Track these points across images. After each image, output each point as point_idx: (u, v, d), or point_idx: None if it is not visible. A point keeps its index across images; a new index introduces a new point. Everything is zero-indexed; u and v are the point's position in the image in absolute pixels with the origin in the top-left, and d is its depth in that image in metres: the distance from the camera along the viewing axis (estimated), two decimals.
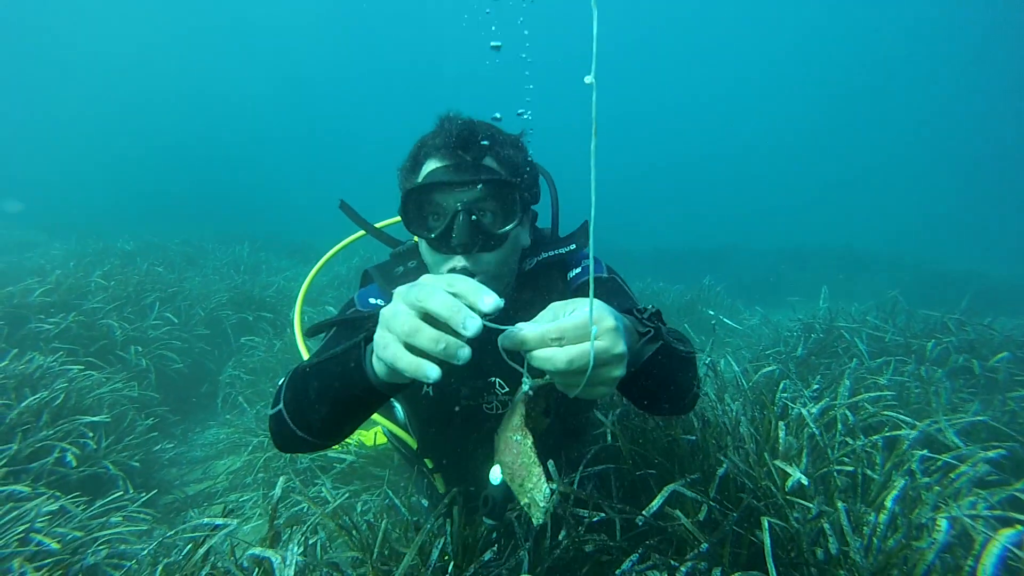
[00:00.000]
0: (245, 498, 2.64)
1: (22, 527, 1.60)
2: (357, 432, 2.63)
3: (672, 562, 1.13)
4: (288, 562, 1.02)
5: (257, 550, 1.07)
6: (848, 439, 1.85)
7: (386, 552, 1.21)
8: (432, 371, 0.68)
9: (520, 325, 0.74)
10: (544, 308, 0.88)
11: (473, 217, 1.14)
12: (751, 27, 30.85)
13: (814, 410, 1.94)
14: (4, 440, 2.25)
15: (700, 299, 5.58)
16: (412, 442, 1.59)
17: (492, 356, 1.24)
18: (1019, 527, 1.07)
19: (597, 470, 1.52)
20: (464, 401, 1.41)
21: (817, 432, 1.58)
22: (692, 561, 1.14)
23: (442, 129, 1.21)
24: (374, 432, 2.59)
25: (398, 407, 1.64)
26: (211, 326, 4.44)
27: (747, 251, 10.60)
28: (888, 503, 1.34)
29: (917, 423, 1.89)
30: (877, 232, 14.37)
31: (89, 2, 28.82)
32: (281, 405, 1.01)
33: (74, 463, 2.29)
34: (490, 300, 0.69)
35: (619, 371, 0.75)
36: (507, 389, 1.42)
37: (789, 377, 2.84)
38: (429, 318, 0.71)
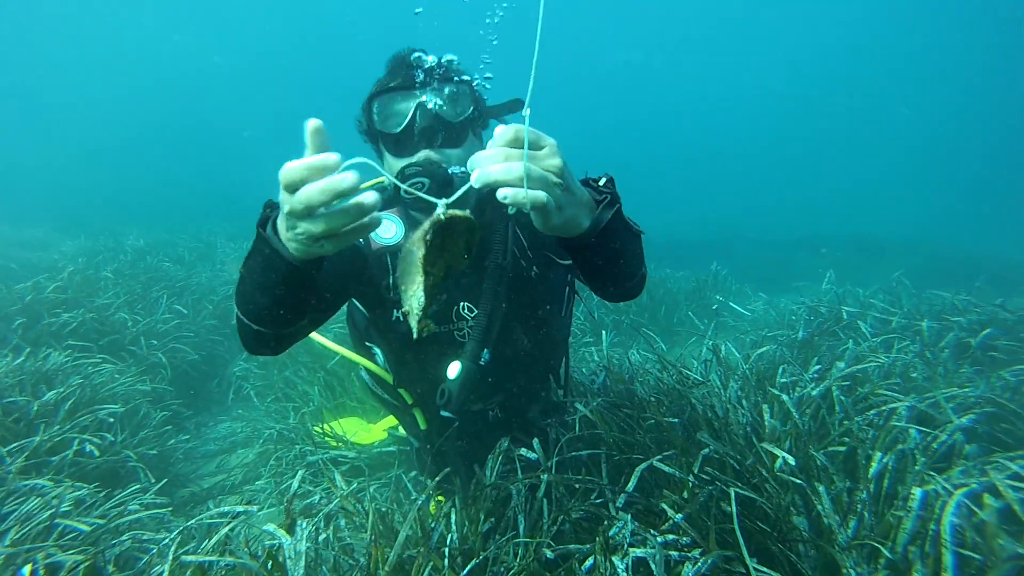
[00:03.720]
0: (257, 488, 2.71)
1: (47, 513, 1.67)
2: (354, 434, 2.71)
3: (651, 532, 1.17)
4: (299, 537, 1.07)
5: (271, 527, 1.14)
6: (846, 420, 1.87)
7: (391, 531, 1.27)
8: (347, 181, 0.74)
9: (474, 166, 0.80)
10: (503, 225, 1.27)
11: (431, 107, 1.30)
12: (760, 15, 30.33)
13: (813, 392, 1.96)
14: (26, 434, 2.34)
15: (707, 284, 5.57)
16: (389, 377, 1.68)
17: (455, 281, 1.46)
18: (974, 485, 1.10)
19: (585, 454, 1.55)
20: (434, 327, 1.47)
21: (799, 419, 1.60)
22: (672, 533, 1.17)
23: (395, 57, 1.37)
24: (375, 427, 2.67)
25: (378, 351, 1.73)
26: (221, 318, 4.52)
27: (756, 239, 10.54)
28: (872, 477, 1.36)
29: (903, 397, 1.90)
30: (891, 219, 14.15)
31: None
32: (236, 309, 1.11)
33: (97, 453, 2.37)
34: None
35: (556, 160, 0.83)
36: (476, 312, 1.52)
37: (788, 361, 2.85)
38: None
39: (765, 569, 1.05)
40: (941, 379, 2.31)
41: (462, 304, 1.52)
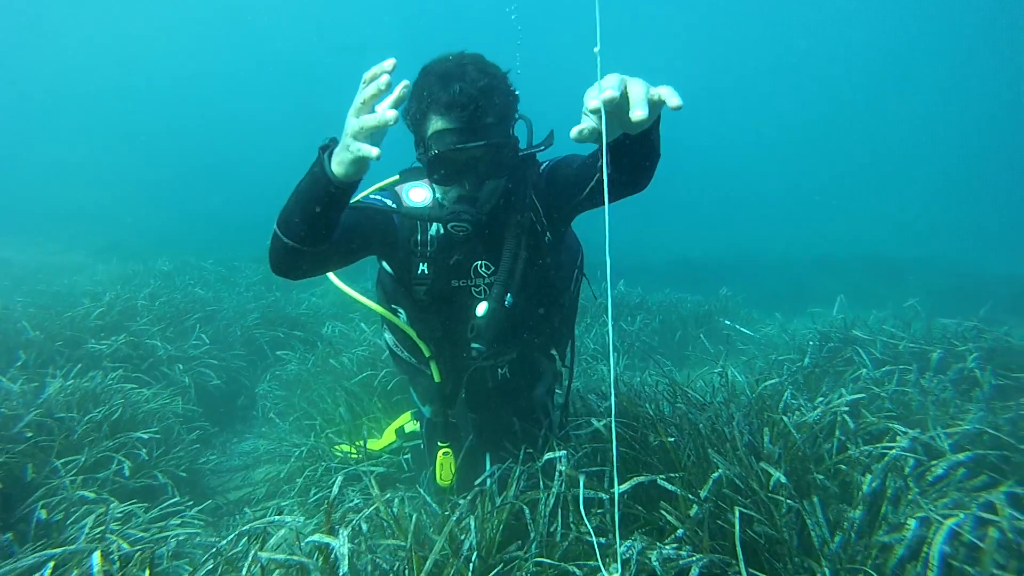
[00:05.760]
0: (284, 504, 2.85)
1: (99, 528, 1.83)
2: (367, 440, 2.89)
3: (657, 543, 1.28)
4: (342, 542, 1.22)
5: (316, 537, 1.29)
6: (848, 447, 1.96)
7: (420, 539, 1.40)
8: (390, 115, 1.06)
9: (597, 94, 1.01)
10: (519, 194, 1.69)
11: (478, 167, 1.55)
12: (766, 26, 30.59)
13: (809, 418, 2.05)
14: (74, 451, 2.51)
15: (716, 309, 5.66)
16: (412, 332, 1.87)
17: (478, 242, 1.74)
18: (962, 514, 1.19)
19: (595, 470, 1.67)
20: (454, 282, 1.75)
21: (799, 439, 1.70)
22: (673, 545, 1.29)
23: (445, 85, 1.48)
24: (385, 432, 2.86)
25: (402, 312, 1.91)
26: (246, 345, 4.72)
27: (772, 260, 10.57)
28: (863, 504, 1.46)
29: (909, 431, 1.98)
30: (911, 237, 14.03)
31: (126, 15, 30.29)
32: (275, 225, 1.35)
33: (128, 473, 2.54)
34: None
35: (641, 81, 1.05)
36: (492, 269, 1.76)
37: (797, 387, 2.93)
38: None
39: (757, 572, 1.15)
40: (935, 408, 2.38)
41: (480, 262, 1.76)
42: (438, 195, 1.69)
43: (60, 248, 9.48)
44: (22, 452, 2.38)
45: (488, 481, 1.66)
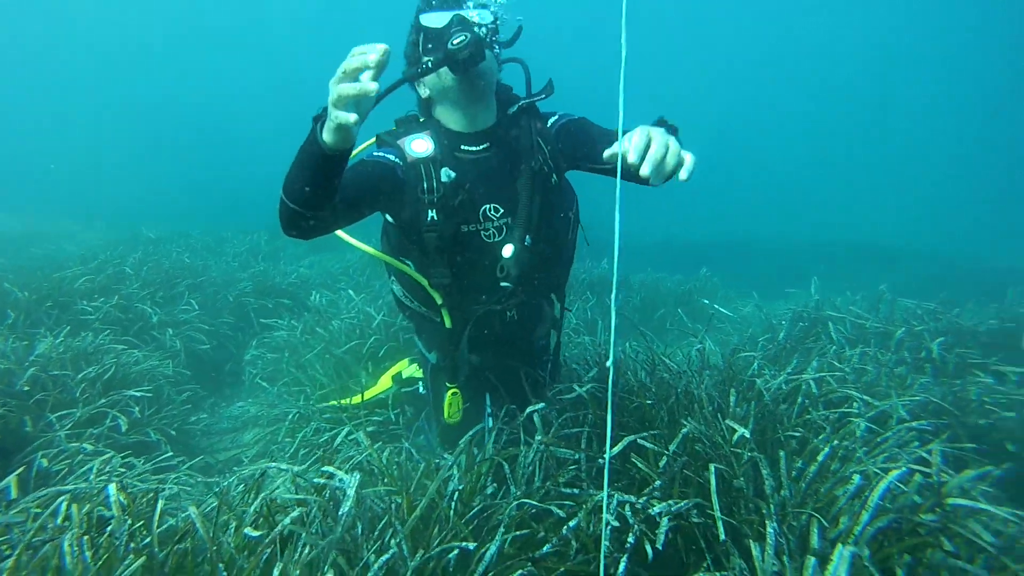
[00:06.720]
0: (274, 464, 2.95)
1: (103, 476, 1.91)
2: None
3: (631, 496, 1.41)
4: (349, 483, 1.32)
5: (329, 468, 1.39)
6: (810, 410, 2.11)
7: (410, 487, 1.52)
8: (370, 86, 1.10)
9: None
10: (524, 142, 1.87)
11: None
12: (775, 17, 30.37)
13: (773, 384, 2.20)
14: (69, 407, 2.58)
15: (696, 289, 5.83)
16: (423, 280, 1.95)
17: (484, 185, 1.85)
18: (904, 467, 1.33)
19: (573, 432, 1.79)
20: (464, 227, 1.84)
21: (768, 399, 1.84)
22: (647, 496, 1.42)
23: None
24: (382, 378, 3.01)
25: (410, 263, 2.01)
26: (234, 312, 4.76)
27: (758, 244, 10.76)
28: (819, 459, 1.61)
29: (865, 397, 2.15)
30: (905, 227, 14.23)
31: None
32: (281, 190, 1.42)
33: (124, 428, 2.62)
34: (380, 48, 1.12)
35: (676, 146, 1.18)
36: (501, 212, 1.86)
37: (768, 360, 3.09)
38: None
39: (723, 516, 1.29)
40: (888, 379, 2.56)
41: (488, 206, 1.85)
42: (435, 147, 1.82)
43: (45, 215, 9.31)
44: (18, 406, 2.44)
45: (490, 422, 1.79)
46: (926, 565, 1.14)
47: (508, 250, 1.82)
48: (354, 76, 1.12)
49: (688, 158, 1.18)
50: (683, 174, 1.17)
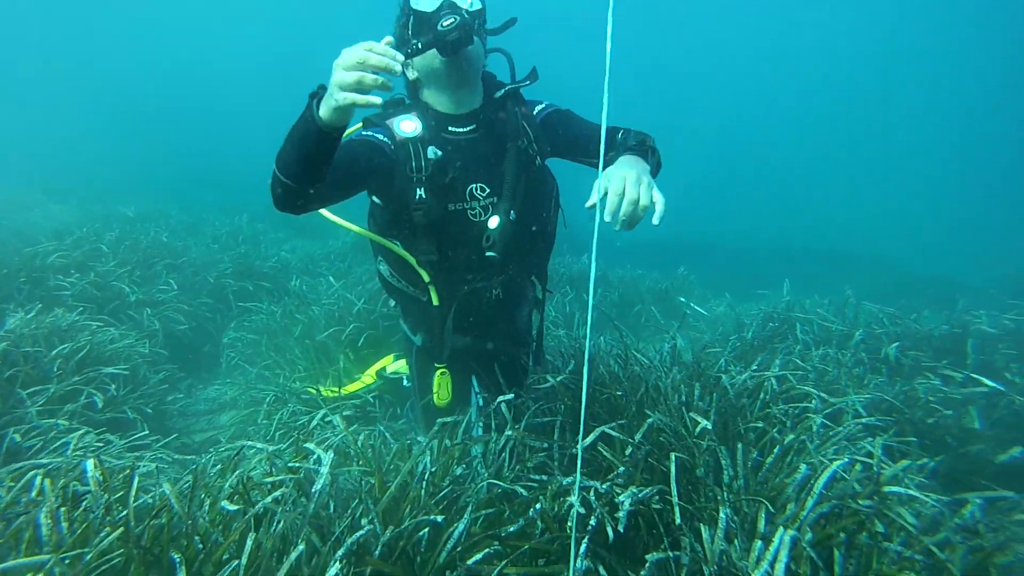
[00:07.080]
0: (249, 444, 2.97)
1: (79, 452, 1.93)
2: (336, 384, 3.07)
3: (596, 482, 1.49)
4: (324, 461, 1.37)
5: (308, 445, 1.42)
6: (771, 405, 2.22)
7: (384, 468, 1.57)
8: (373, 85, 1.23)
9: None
10: (510, 125, 1.93)
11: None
12: (770, 18, 30.54)
13: (739, 379, 2.30)
14: (41, 383, 2.57)
15: (673, 287, 5.95)
16: (411, 258, 1.99)
17: (471, 165, 1.92)
18: (847, 458, 1.44)
19: (545, 421, 1.87)
20: (451, 206, 1.91)
21: (732, 392, 1.94)
22: (611, 482, 1.50)
23: None
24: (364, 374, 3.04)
25: (398, 243, 2.05)
26: (213, 294, 4.73)
27: (734, 247, 10.98)
28: (776, 450, 1.70)
29: (822, 395, 2.26)
30: (876, 235, 14.59)
31: None
32: (274, 165, 1.46)
33: (100, 404, 2.62)
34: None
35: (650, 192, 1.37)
36: (488, 191, 1.93)
37: (735, 357, 3.21)
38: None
39: (682, 503, 1.37)
40: (847, 379, 2.70)
41: (475, 185, 1.92)
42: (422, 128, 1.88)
43: (11, 185, 9.02)
44: None
45: (480, 401, 1.89)
46: (857, 547, 1.24)
47: (494, 222, 1.89)
48: (366, 70, 1.20)
49: (658, 205, 1.33)
50: (655, 220, 1.32)
